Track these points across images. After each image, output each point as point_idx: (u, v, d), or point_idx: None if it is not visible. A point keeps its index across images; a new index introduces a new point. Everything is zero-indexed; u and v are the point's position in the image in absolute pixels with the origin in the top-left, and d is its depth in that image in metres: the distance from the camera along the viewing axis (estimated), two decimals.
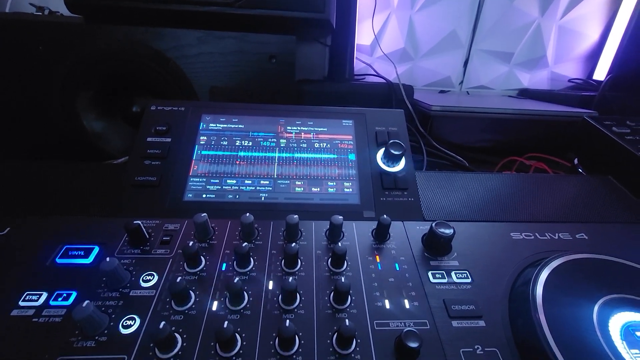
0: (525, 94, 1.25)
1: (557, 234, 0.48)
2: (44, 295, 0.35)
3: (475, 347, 0.34)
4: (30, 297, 0.35)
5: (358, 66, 1.14)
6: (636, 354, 0.33)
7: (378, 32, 1.15)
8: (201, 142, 0.52)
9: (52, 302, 0.34)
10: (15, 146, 0.82)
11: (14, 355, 0.30)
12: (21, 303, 0.34)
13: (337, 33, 1.01)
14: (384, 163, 0.53)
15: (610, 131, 0.65)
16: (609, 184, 0.60)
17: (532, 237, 0.47)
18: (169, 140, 0.51)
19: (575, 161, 0.74)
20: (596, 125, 0.67)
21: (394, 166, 0.52)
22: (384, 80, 0.98)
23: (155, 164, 0.49)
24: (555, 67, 1.22)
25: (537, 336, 0.33)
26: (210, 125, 0.54)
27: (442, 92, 1.26)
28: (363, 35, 1.15)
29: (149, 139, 0.51)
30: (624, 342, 0.34)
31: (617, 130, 0.66)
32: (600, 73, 1.16)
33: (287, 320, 0.32)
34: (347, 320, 0.32)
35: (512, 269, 0.42)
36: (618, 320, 0.35)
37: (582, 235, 0.48)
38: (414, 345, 0.31)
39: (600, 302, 0.36)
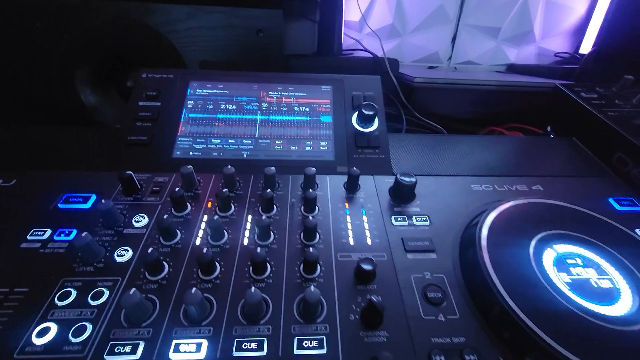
0: (512, 69, 1.27)
1: (514, 186, 0.52)
2: (48, 231, 0.40)
3: (425, 273, 0.39)
4: (37, 233, 0.40)
5: (348, 42, 1.17)
6: (563, 275, 0.38)
7: (366, 9, 1.16)
8: (189, 106, 0.56)
9: (55, 237, 0.39)
10: (19, 116, 0.86)
11: (24, 282, 0.35)
12: (29, 237, 0.39)
13: (325, 9, 1.03)
14: (358, 124, 0.57)
15: (578, 96, 0.69)
16: (572, 145, 0.64)
17: (491, 189, 0.52)
18: (158, 104, 0.56)
19: (548, 128, 0.78)
20: (566, 92, 0.71)
21: (367, 127, 0.56)
22: (371, 55, 1.01)
23: (146, 125, 0.53)
24: (543, 42, 1.24)
25: (478, 262, 0.37)
26: (197, 90, 0.58)
27: (430, 67, 1.28)
28: (352, 11, 1.17)
29: (140, 103, 0.55)
30: (555, 267, 0.38)
31: (585, 95, 0.69)
32: (587, 47, 1.18)
33: (259, 248, 0.37)
34: (311, 249, 0.37)
35: (467, 214, 0.46)
36: (552, 252, 0.40)
37: (538, 187, 0.53)
38: (367, 267, 0.36)
39: (538, 236, 0.41)
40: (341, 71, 0.96)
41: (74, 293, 0.34)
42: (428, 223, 0.45)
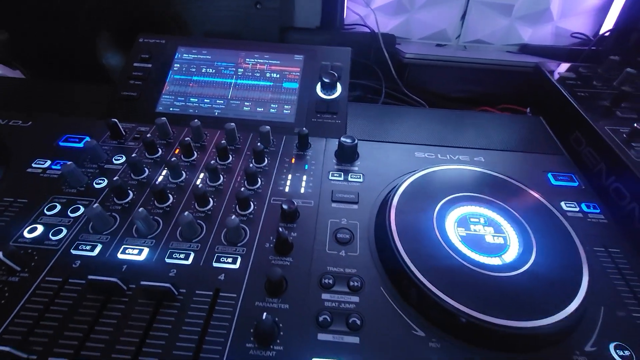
0: (525, 49, 1.22)
1: (457, 156, 0.56)
2: (48, 162, 0.50)
3: (342, 219, 0.45)
4: (39, 162, 0.50)
5: (353, 17, 1.18)
6: (460, 230, 0.42)
7: None
8: (175, 69, 0.64)
9: (52, 166, 0.50)
10: (48, 72, 0.99)
11: (25, 194, 0.46)
12: (33, 165, 0.50)
13: None
14: (321, 91, 0.62)
15: (553, 75, 0.68)
16: (536, 123, 0.65)
17: (433, 157, 0.56)
18: (149, 65, 0.64)
19: (527, 110, 0.78)
20: (543, 71, 0.70)
21: (329, 94, 0.61)
22: (369, 30, 1.03)
23: (137, 83, 0.62)
24: (561, 22, 1.18)
25: (385, 212, 0.43)
26: (184, 55, 0.65)
27: (438, 45, 1.27)
28: None
29: (135, 64, 0.64)
30: (456, 223, 0.43)
31: (562, 75, 0.69)
32: (607, 28, 1.11)
33: (201, 186, 0.45)
34: (242, 189, 0.44)
35: (399, 176, 0.51)
36: (459, 211, 0.45)
37: (480, 159, 0.56)
38: (285, 207, 0.43)
39: (449, 197, 0.45)
40: (339, 45, 1.00)
41: (58, 207, 0.44)
42: (361, 180, 0.51)
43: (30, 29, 0.89)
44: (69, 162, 0.46)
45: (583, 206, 0.49)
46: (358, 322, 0.35)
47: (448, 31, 1.24)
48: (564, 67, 0.73)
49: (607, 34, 1.04)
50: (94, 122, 0.58)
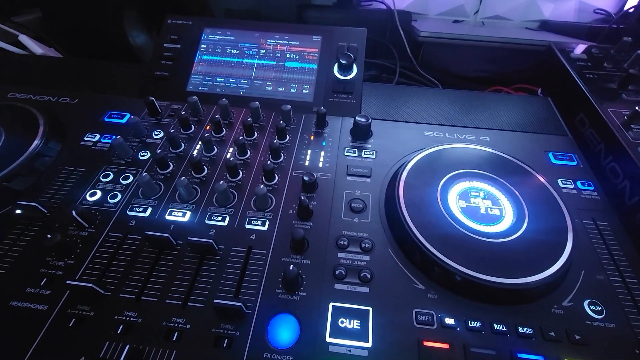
0: (545, 26, 1.21)
1: (464, 135, 0.60)
2: (98, 136, 0.57)
3: (356, 191, 0.51)
4: (90, 136, 0.57)
5: None
6: (461, 202, 0.48)
7: None
8: (202, 49, 0.69)
9: (102, 140, 0.57)
10: (78, 50, 1.05)
11: (82, 164, 0.53)
12: (85, 138, 0.57)
13: None
14: (338, 72, 0.66)
15: (564, 56, 0.70)
16: (543, 104, 0.68)
17: (442, 136, 0.60)
18: (179, 46, 0.69)
19: (539, 90, 0.80)
20: (555, 51, 0.72)
21: (346, 75, 0.65)
22: (385, 7, 1.04)
23: (168, 63, 0.68)
24: None
25: (394, 185, 0.48)
26: (210, 36, 0.70)
27: (455, 22, 1.26)
28: None
29: (165, 45, 0.69)
30: (457, 196, 0.48)
31: (573, 55, 0.71)
32: (632, 4, 1.08)
33: (232, 159, 0.51)
34: (268, 162, 0.50)
35: (408, 153, 0.56)
36: (462, 185, 0.50)
37: (486, 138, 0.60)
38: (306, 178, 0.49)
39: (452, 173, 0.50)
40: (357, 23, 1.02)
41: (111, 175, 0.52)
42: (374, 157, 0.56)
43: (60, 7, 0.94)
44: (118, 137, 0.53)
45: (578, 183, 0.53)
46: (368, 276, 0.42)
47: (466, 7, 1.23)
48: (578, 48, 0.74)
49: (631, 10, 1.02)
50: (132, 100, 0.64)
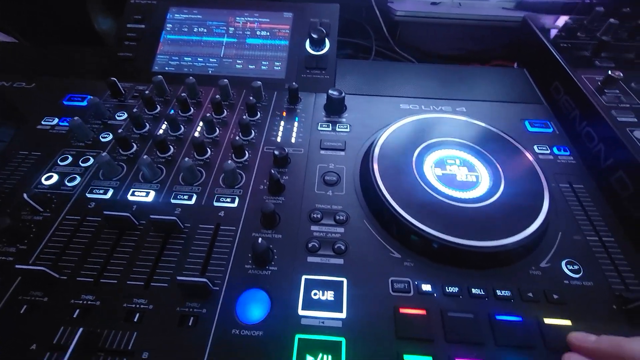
0: (521, 5, 1.21)
1: (440, 107, 0.59)
2: (56, 119, 0.54)
3: (330, 164, 0.49)
4: (47, 119, 0.54)
5: None
6: (437, 170, 0.46)
7: None
8: (167, 29, 0.66)
9: (60, 123, 0.53)
10: (44, 37, 1.00)
11: (38, 148, 0.50)
12: (42, 122, 0.53)
13: None
14: (310, 48, 0.64)
15: (538, 27, 0.70)
16: (519, 75, 0.68)
17: (417, 108, 0.59)
18: (143, 26, 0.66)
19: (515, 65, 0.79)
20: (529, 23, 0.72)
21: (318, 50, 0.64)
22: None
23: (132, 44, 0.64)
24: None
25: (369, 156, 0.47)
26: (176, 15, 0.67)
27: (433, 3, 1.25)
28: None
29: (128, 25, 0.66)
30: (433, 164, 0.47)
31: (548, 27, 0.70)
32: None
33: (198, 136, 0.48)
34: (237, 137, 0.48)
35: (383, 126, 0.54)
36: (438, 154, 0.49)
37: (462, 109, 0.59)
38: (277, 153, 0.47)
39: (428, 142, 0.49)
40: (329, 1, 0.99)
41: (70, 158, 0.48)
42: (348, 130, 0.54)
43: None
44: (76, 118, 0.49)
45: (554, 149, 0.53)
46: (343, 247, 0.40)
47: None
48: (552, 19, 0.73)
49: None
50: (94, 82, 0.61)
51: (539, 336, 0.34)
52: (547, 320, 0.35)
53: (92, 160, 0.48)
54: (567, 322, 0.35)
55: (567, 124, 0.57)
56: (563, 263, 0.40)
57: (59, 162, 0.48)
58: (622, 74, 0.54)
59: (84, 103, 0.57)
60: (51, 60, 0.67)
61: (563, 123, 0.57)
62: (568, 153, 0.52)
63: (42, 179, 0.45)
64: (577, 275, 0.39)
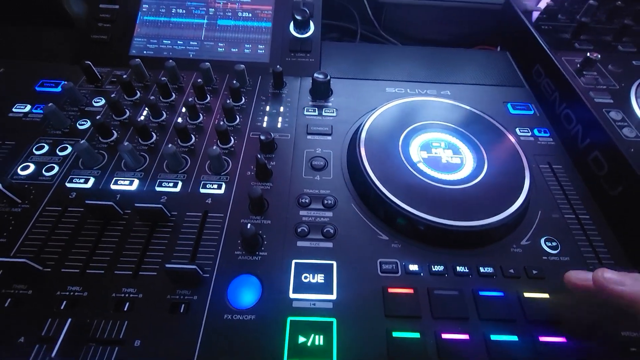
0: None
1: (425, 90, 0.59)
2: (28, 106, 0.51)
3: (317, 149, 0.49)
4: (19, 106, 0.51)
5: None
6: (423, 153, 0.47)
7: None
8: (144, 9, 0.63)
9: (33, 110, 0.51)
10: (11, 19, 0.94)
11: (11, 137, 0.47)
12: (14, 109, 0.51)
13: None
14: (294, 30, 0.62)
15: (522, 10, 0.70)
16: (502, 58, 0.69)
17: (403, 91, 0.59)
18: (117, 7, 0.62)
19: (498, 48, 0.80)
20: (512, 5, 0.72)
21: (302, 33, 0.62)
22: None
23: (106, 25, 0.61)
24: None
25: (356, 141, 0.47)
26: None
27: None
28: None
29: (101, 5, 0.62)
30: (419, 147, 0.48)
31: (530, 9, 0.71)
32: None
33: (181, 122, 0.47)
34: (222, 122, 0.47)
35: (369, 109, 0.54)
36: (424, 136, 0.49)
37: (447, 92, 0.59)
38: (264, 138, 0.46)
39: (414, 125, 0.49)
40: None
41: (46, 147, 0.47)
42: (334, 114, 0.54)
43: None
44: (50, 104, 0.47)
45: (535, 131, 0.54)
46: (332, 231, 0.41)
47: None
48: (533, 1, 0.74)
49: None
50: (67, 66, 0.58)
51: (520, 309, 0.36)
52: (527, 295, 0.37)
53: (70, 148, 0.46)
54: (545, 296, 0.37)
55: (547, 106, 0.59)
56: (542, 240, 0.41)
57: (34, 151, 0.46)
58: (599, 56, 0.55)
59: (58, 89, 0.54)
60: (19, 43, 0.64)
61: (544, 105, 0.59)
62: (548, 135, 0.54)
63: (18, 170, 0.44)
64: (555, 252, 0.41)
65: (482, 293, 0.37)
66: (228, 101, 0.50)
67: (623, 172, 0.44)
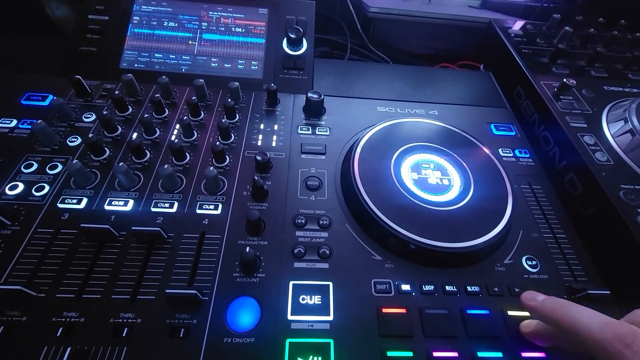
0: (485, 4, 1.26)
1: (414, 110, 0.62)
2: (14, 121, 0.50)
3: (311, 168, 0.50)
4: (4, 121, 0.50)
5: None
6: (413, 174, 0.49)
7: None
8: (134, 21, 0.62)
9: (20, 125, 0.49)
10: None
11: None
12: None
13: None
14: (287, 47, 0.63)
15: (503, 32, 0.74)
16: (485, 78, 0.72)
17: (393, 111, 0.61)
18: (106, 18, 0.61)
19: (482, 66, 0.84)
20: (495, 27, 0.76)
21: (295, 50, 0.63)
22: None
23: (95, 37, 0.60)
24: None
25: (350, 160, 0.48)
26: (143, 7, 0.63)
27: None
28: None
29: (90, 16, 0.61)
30: (410, 168, 0.50)
31: (512, 32, 0.75)
32: None
33: (176, 141, 0.47)
34: (217, 143, 0.48)
35: (361, 129, 0.56)
36: (414, 158, 0.51)
37: (434, 112, 0.62)
38: (259, 158, 0.47)
39: (406, 146, 0.51)
40: None
41: (35, 165, 0.45)
42: (328, 133, 0.55)
43: None
44: (39, 121, 0.46)
45: (516, 152, 0.57)
46: (327, 252, 0.42)
47: None
48: (515, 24, 0.78)
49: None
50: (54, 78, 0.57)
51: (504, 327, 0.38)
52: (510, 312, 0.39)
53: (60, 166, 0.46)
54: (526, 313, 0.39)
55: (527, 127, 0.62)
56: (523, 259, 0.44)
57: (23, 169, 0.45)
58: (574, 82, 0.59)
59: (46, 103, 0.53)
60: (2, 52, 0.61)
61: (524, 126, 0.62)
62: (528, 155, 0.57)
63: (6, 189, 0.42)
64: (535, 270, 0.43)
65: (469, 311, 0.39)
66: (223, 120, 0.50)
67: (595, 193, 0.48)
